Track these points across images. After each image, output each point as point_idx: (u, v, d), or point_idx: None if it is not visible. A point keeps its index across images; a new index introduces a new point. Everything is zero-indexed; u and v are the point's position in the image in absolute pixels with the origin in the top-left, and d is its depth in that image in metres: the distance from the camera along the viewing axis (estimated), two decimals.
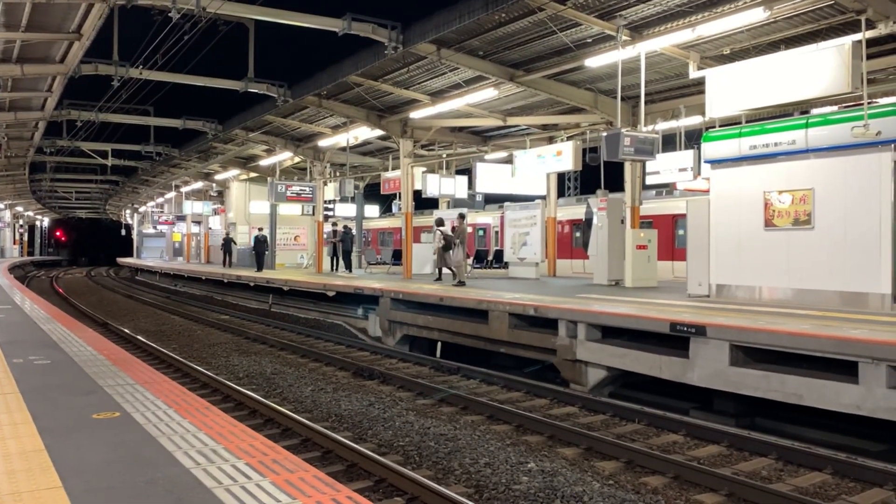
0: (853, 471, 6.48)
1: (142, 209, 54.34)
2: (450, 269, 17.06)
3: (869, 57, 10.23)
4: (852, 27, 10.71)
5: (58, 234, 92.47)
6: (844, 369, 7.23)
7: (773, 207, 11.22)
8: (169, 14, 12.52)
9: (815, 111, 11.87)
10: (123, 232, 64.53)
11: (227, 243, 30.42)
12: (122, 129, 27.88)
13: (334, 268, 23.90)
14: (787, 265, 11.08)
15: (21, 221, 64.95)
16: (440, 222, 17.52)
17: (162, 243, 54.06)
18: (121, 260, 58.71)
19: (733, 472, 6.57)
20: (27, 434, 4.40)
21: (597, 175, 17.33)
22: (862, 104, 10.04)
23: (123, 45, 16.40)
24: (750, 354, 8.21)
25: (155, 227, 49.97)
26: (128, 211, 60.27)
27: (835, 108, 11.49)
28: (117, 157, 31.70)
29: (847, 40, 10.05)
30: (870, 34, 9.96)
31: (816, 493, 6.11)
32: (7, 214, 52.79)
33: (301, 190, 24.04)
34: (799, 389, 7.50)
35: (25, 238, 69.11)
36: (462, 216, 17.04)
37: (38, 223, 75.96)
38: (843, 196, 10.41)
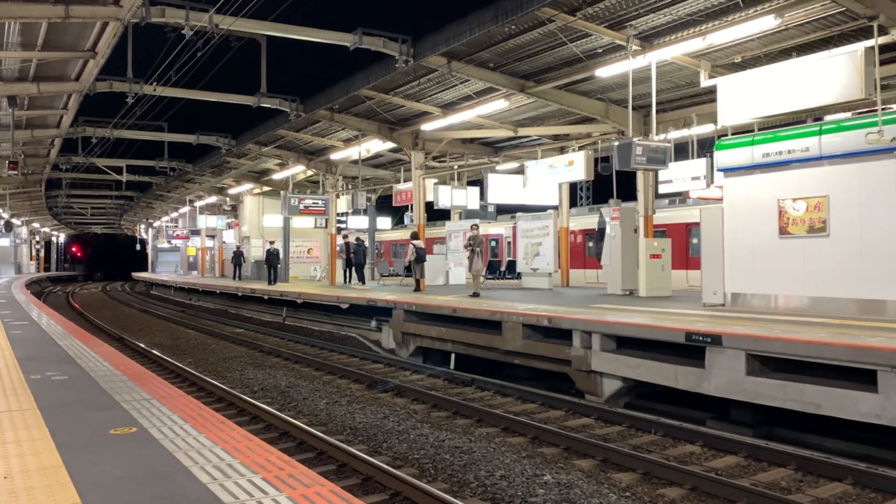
0: (874, 481, 6.40)
1: (156, 224, 54.73)
2: (416, 279, 18.56)
3: (882, 63, 10.19)
4: (864, 33, 10.67)
5: (73, 249, 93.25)
6: (863, 378, 7.15)
7: (788, 215, 11.15)
8: (182, 31, 12.68)
9: (828, 118, 11.82)
10: (138, 247, 65.03)
11: (238, 256, 31.26)
12: (137, 145, 28.22)
13: (347, 280, 23.97)
14: (803, 273, 11.00)
15: (37, 237, 65.57)
16: (414, 236, 18.90)
17: (176, 258, 54.45)
18: (136, 275, 59.09)
19: (752, 483, 6.50)
20: (45, 450, 4.43)
21: (609, 184, 17.34)
22: (876, 110, 9.98)
23: (137, 62, 16.62)
24: (766, 363, 8.15)
25: (169, 242, 50.36)
26: (142, 226, 60.69)
27: (848, 114, 11.43)
28: (132, 172, 32.03)
29: (859, 46, 10.01)
30: (882, 40, 9.92)
31: None
32: (24, 231, 53.30)
33: (314, 203, 24.16)
34: (817, 398, 7.42)
35: (42, 254, 69.75)
36: (475, 225, 17.02)
37: (54, 239, 76.67)
38: (858, 203, 10.34)
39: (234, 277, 31.19)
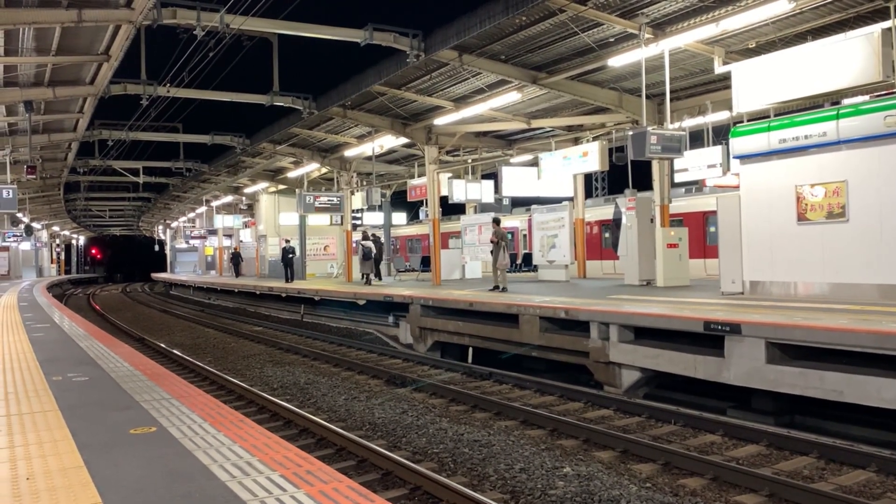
0: None
1: (174, 224, 55.16)
2: (371, 275, 21.01)
3: None
4: (881, 15, 10.51)
5: (93, 251, 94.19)
6: (886, 364, 7.07)
7: (806, 201, 11.03)
8: (194, 32, 12.73)
9: (845, 102, 11.66)
10: (157, 247, 65.57)
11: (236, 257, 35.09)
12: (153, 147, 28.45)
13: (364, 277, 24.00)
14: (823, 259, 10.88)
15: (57, 241, 66.27)
16: (365, 237, 21.48)
17: (195, 257, 54.83)
18: (155, 275, 59.59)
19: (773, 471, 6.46)
20: (67, 451, 4.48)
21: (624, 174, 17.22)
22: (894, 93, 9.83)
23: (151, 64, 16.73)
24: (787, 351, 8.08)
25: (187, 242, 50.71)
26: (160, 227, 61.21)
27: (866, 97, 11.27)
28: (148, 174, 32.28)
29: (876, 28, 9.86)
30: None
31: (861, 492, 5.98)
32: (44, 234, 53.88)
33: (329, 200, 24.21)
34: (838, 386, 7.34)
35: (62, 257, 70.47)
36: (497, 220, 16.82)
37: (73, 242, 77.44)
38: (877, 187, 10.20)
39: (234, 275, 34.53)
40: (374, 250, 21.44)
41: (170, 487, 3.75)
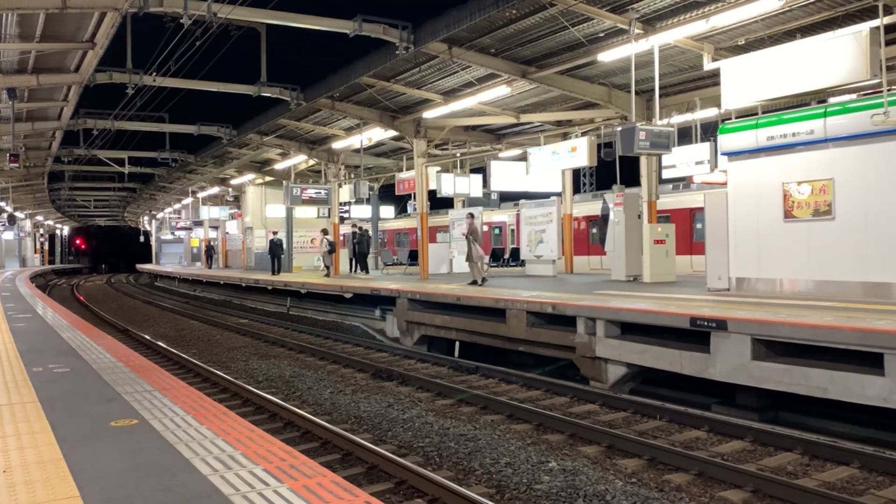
0: (881, 464, 6.36)
1: (159, 215, 54.73)
2: (328, 267, 22.82)
3: (887, 43, 10.07)
4: (870, 13, 10.54)
5: (78, 242, 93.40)
6: (870, 361, 7.10)
7: (793, 198, 11.07)
8: (181, 21, 12.59)
9: (833, 100, 11.70)
10: (142, 238, 65.11)
11: (210, 249, 38.23)
12: (138, 137, 28.19)
13: (352, 270, 23.95)
14: (808, 257, 10.93)
15: (41, 230, 65.63)
16: (325, 232, 23.45)
17: (180, 249, 54.51)
18: (140, 266, 59.21)
19: (758, 467, 6.47)
20: (45, 443, 4.41)
21: (613, 170, 17.24)
22: (881, 91, 9.87)
23: (137, 52, 16.55)
24: (772, 348, 8.10)
25: (173, 233, 50.39)
26: (146, 217, 60.73)
27: (853, 96, 11.31)
28: (134, 164, 31.99)
29: (864, 27, 9.87)
30: (888, 20, 9.81)
31: (844, 488, 6.01)
32: (28, 224, 53.33)
33: (316, 193, 24.07)
34: (823, 382, 7.37)
35: (46, 247, 69.79)
36: (471, 215, 16.93)
37: (58, 232, 76.73)
38: (863, 185, 10.25)
39: (207, 266, 36.78)
40: (331, 246, 23.16)
41: (150, 481, 3.70)
